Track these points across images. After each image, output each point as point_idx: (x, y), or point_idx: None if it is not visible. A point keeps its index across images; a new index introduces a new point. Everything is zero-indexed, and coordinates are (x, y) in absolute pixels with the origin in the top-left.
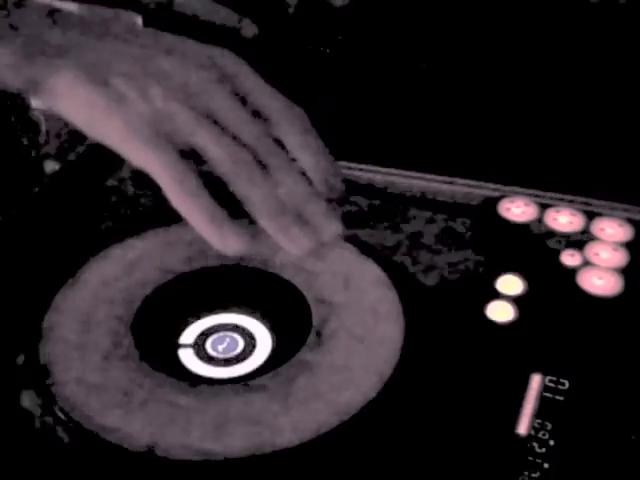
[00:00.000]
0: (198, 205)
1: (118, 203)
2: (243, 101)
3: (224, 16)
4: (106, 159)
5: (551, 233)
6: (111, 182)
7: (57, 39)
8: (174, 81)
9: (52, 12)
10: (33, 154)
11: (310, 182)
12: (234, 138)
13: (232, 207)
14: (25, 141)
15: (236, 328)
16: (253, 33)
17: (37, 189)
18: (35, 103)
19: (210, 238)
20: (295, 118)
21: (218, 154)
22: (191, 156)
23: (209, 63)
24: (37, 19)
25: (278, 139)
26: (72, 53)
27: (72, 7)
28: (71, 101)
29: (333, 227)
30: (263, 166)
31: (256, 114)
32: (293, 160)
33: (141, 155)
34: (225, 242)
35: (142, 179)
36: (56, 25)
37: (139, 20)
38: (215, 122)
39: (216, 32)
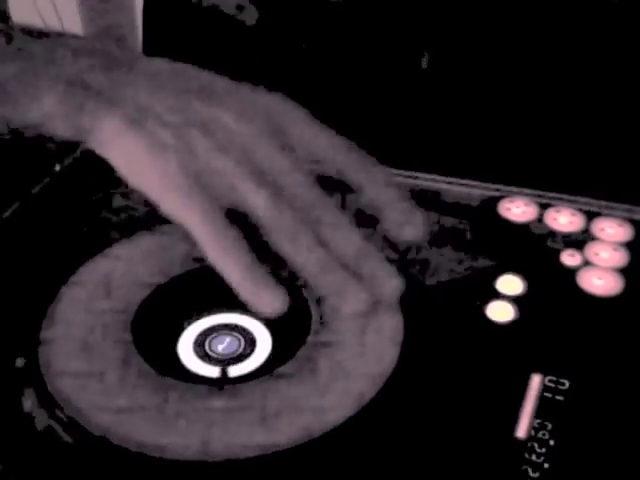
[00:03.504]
0: (237, 263)
1: (117, 204)
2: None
3: None
4: (105, 161)
5: (551, 233)
6: (111, 182)
7: (97, 81)
8: (220, 132)
9: (71, 43)
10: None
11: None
12: (281, 194)
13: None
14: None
15: (236, 328)
16: (255, 18)
17: (35, 190)
18: None
19: (245, 296)
20: (370, 166)
21: (264, 213)
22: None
23: (258, 113)
24: (64, 54)
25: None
26: (117, 100)
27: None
28: (116, 149)
29: (394, 282)
30: (314, 220)
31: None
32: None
33: (177, 207)
34: (260, 303)
35: None
36: (86, 61)
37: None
38: (261, 174)
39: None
